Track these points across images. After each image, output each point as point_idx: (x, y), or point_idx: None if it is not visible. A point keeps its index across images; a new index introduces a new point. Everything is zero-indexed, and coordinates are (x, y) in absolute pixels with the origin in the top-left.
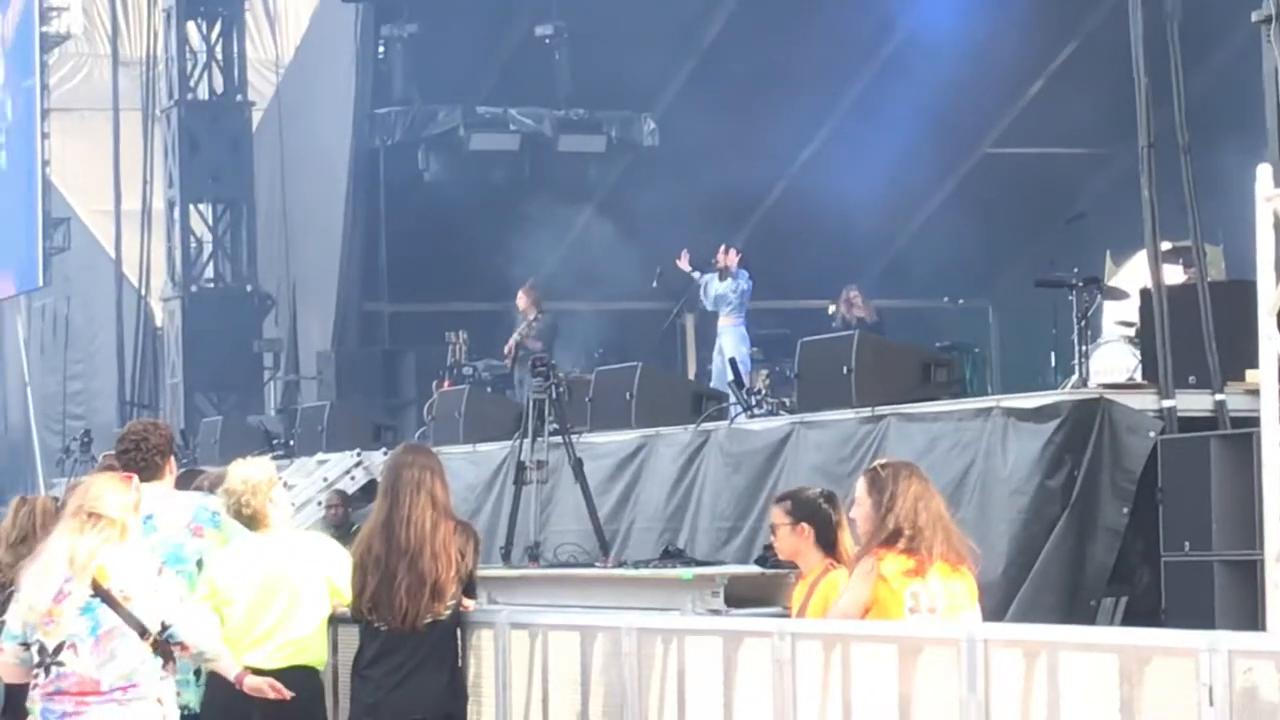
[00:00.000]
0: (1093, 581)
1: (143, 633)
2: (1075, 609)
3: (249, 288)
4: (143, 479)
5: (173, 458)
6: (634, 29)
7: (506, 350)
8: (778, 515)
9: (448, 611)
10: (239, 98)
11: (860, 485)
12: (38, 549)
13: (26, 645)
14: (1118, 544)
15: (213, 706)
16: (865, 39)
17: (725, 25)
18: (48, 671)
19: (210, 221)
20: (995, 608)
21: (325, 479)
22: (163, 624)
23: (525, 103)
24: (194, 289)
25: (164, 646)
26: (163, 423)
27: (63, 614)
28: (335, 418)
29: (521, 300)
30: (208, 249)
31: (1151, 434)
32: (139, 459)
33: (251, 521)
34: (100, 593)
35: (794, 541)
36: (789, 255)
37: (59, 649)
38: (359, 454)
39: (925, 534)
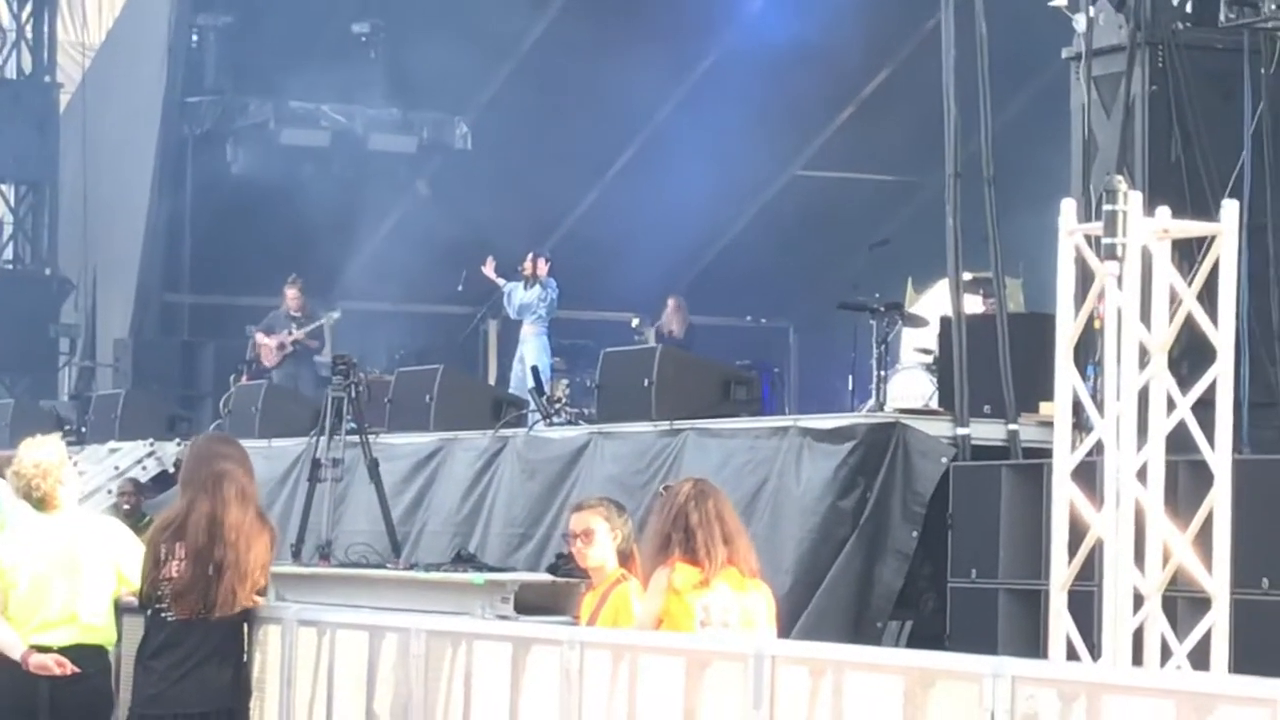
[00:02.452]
0: (879, 603)
1: None
2: (861, 630)
3: (48, 271)
4: None
5: None
6: (451, 32)
7: (280, 344)
8: (595, 521)
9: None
10: (47, 78)
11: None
12: None
13: None
14: (905, 567)
15: None
16: (681, 57)
17: (543, 34)
18: None
19: (11, 202)
20: (781, 626)
21: (117, 467)
22: None
23: (338, 100)
24: None
25: None
26: None
27: None
28: (130, 406)
29: (295, 299)
30: (7, 230)
31: (944, 459)
32: None
33: (41, 503)
34: None
35: (609, 549)
36: (594, 267)
37: None
38: (152, 444)
39: (706, 545)
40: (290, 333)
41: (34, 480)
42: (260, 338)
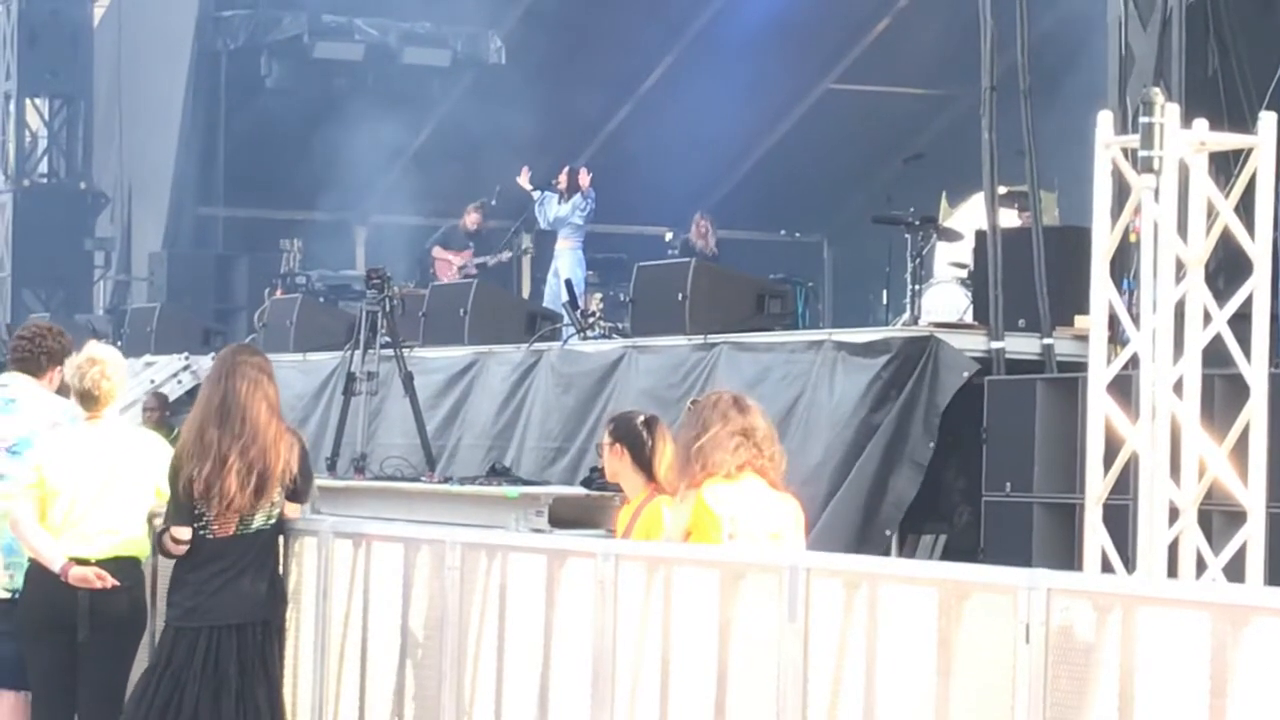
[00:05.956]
0: (889, 511)
1: None
2: (868, 538)
3: (83, 185)
4: (23, 369)
5: (58, 369)
6: None
7: (463, 265)
8: (605, 435)
9: (274, 515)
10: None
11: (683, 417)
12: None
13: None
14: (920, 478)
15: (35, 598)
16: None
17: None
18: None
19: (46, 116)
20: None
21: (152, 381)
22: None
23: (371, 13)
24: (27, 183)
25: None
26: (61, 331)
27: None
28: (165, 320)
29: (477, 221)
30: (43, 144)
31: (965, 373)
32: (27, 349)
33: (87, 398)
34: None
35: (613, 462)
36: (628, 181)
37: None
38: (187, 357)
39: (733, 457)
40: (473, 255)
41: (90, 374)
42: (439, 251)
